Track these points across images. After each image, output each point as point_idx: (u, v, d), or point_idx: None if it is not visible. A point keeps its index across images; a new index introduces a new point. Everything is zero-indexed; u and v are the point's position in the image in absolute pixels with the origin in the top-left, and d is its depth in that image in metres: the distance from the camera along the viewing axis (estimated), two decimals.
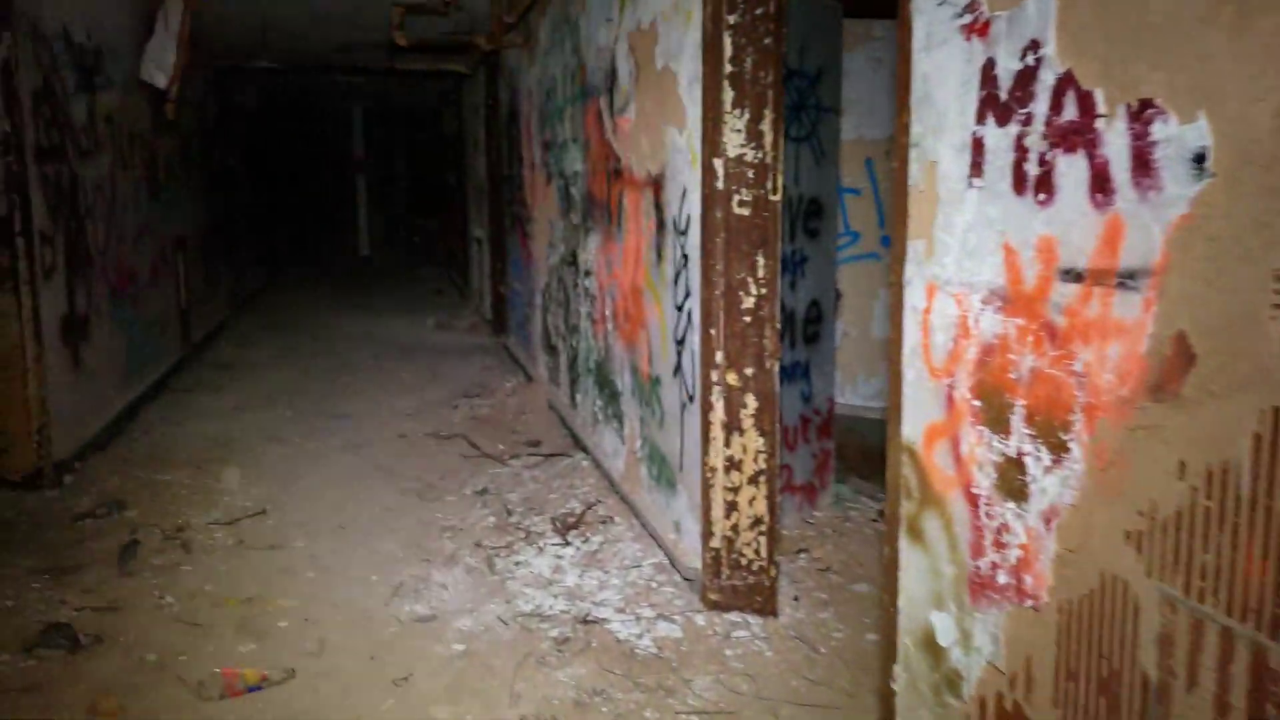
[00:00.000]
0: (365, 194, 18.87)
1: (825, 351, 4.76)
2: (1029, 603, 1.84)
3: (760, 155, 3.49)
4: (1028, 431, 1.81)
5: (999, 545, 1.91)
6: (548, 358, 7.04)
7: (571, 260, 6.00)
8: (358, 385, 7.89)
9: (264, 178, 14.82)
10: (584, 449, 5.66)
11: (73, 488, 5.23)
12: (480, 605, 3.86)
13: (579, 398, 6.01)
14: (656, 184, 4.16)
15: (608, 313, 5.14)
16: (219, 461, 5.76)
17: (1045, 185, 1.74)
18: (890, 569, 2.38)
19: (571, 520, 4.63)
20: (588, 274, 5.57)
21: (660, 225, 4.13)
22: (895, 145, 2.24)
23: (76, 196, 5.71)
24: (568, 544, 4.40)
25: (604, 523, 4.63)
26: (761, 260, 3.55)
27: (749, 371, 3.58)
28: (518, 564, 4.23)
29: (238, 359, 8.99)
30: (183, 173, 8.75)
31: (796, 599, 3.92)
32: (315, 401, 7.34)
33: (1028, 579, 1.84)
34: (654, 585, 3.99)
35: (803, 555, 4.37)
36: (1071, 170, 1.67)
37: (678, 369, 4.01)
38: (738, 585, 3.72)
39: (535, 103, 6.99)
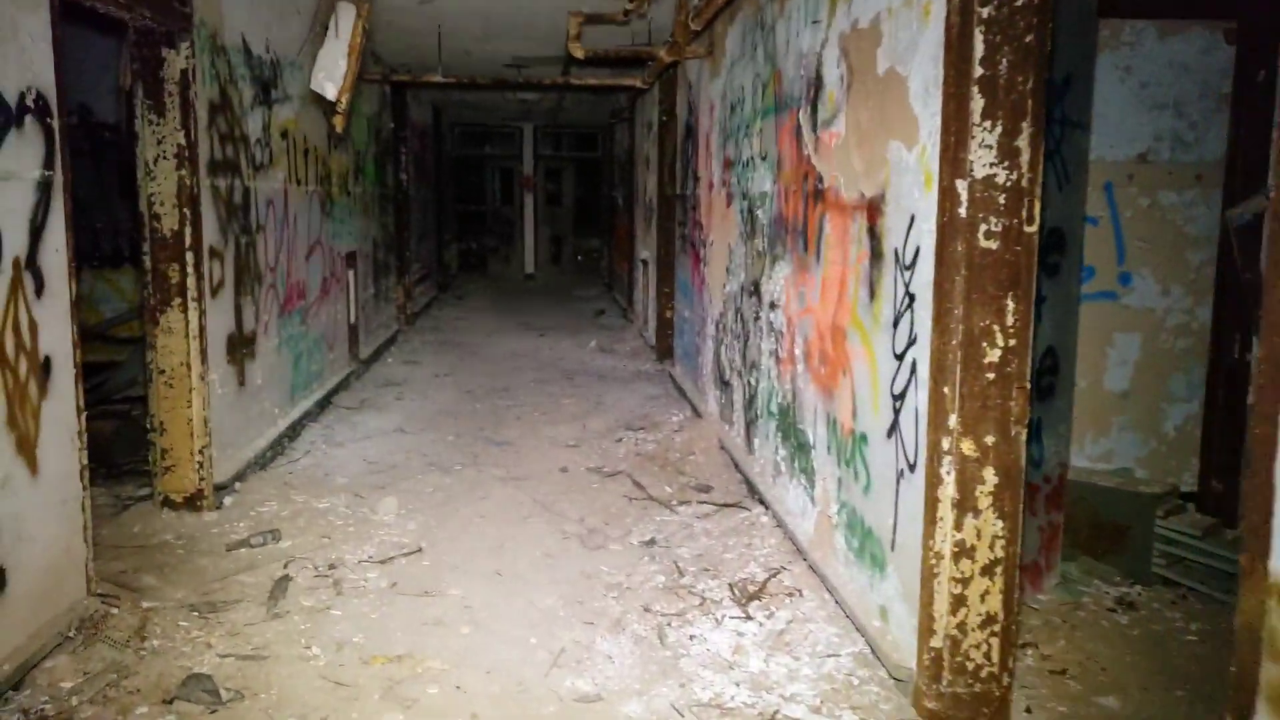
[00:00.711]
0: (533, 212, 18.94)
1: (1060, 409, 4.03)
2: None
3: (1014, 177, 2.86)
4: None
5: None
6: (719, 392, 6.51)
7: (753, 290, 5.46)
8: (519, 410, 7.59)
9: (434, 194, 15.00)
10: (762, 501, 5.09)
11: (231, 511, 5.07)
12: (651, 687, 3.35)
13: (756, 442, 5.45)
14: (872, 208, 3.57)
15: (797, 352, 4.56)
16: (377, 488, 5.52)
17: None
18: None
19: (753, 589, 4.07)
20: (773, 306, 5.01)
21: (875, 256, 3.53)
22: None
23: (248, 211, 5.60)
24: (749, 618, 3.83)
25: (790, 595, 4.04)
26: (1011, 305, 2.90)
27: (989, 440, 2.94)
28: (692, 638, 3.70)
29: (404, 377, 8.90)
30: (355, 188, 8.75)
31: (1029, 710, 3.24)
32: (477, 425, 7.08)
33: None
34: (855, 682, 3.38)
35: (1030, 651, 3.65)
36: None
37: (893, 429, 3.39)
38: (961, 693, 3.06)
39: (717, 118, 6.51)
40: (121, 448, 5.79)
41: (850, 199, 3.80)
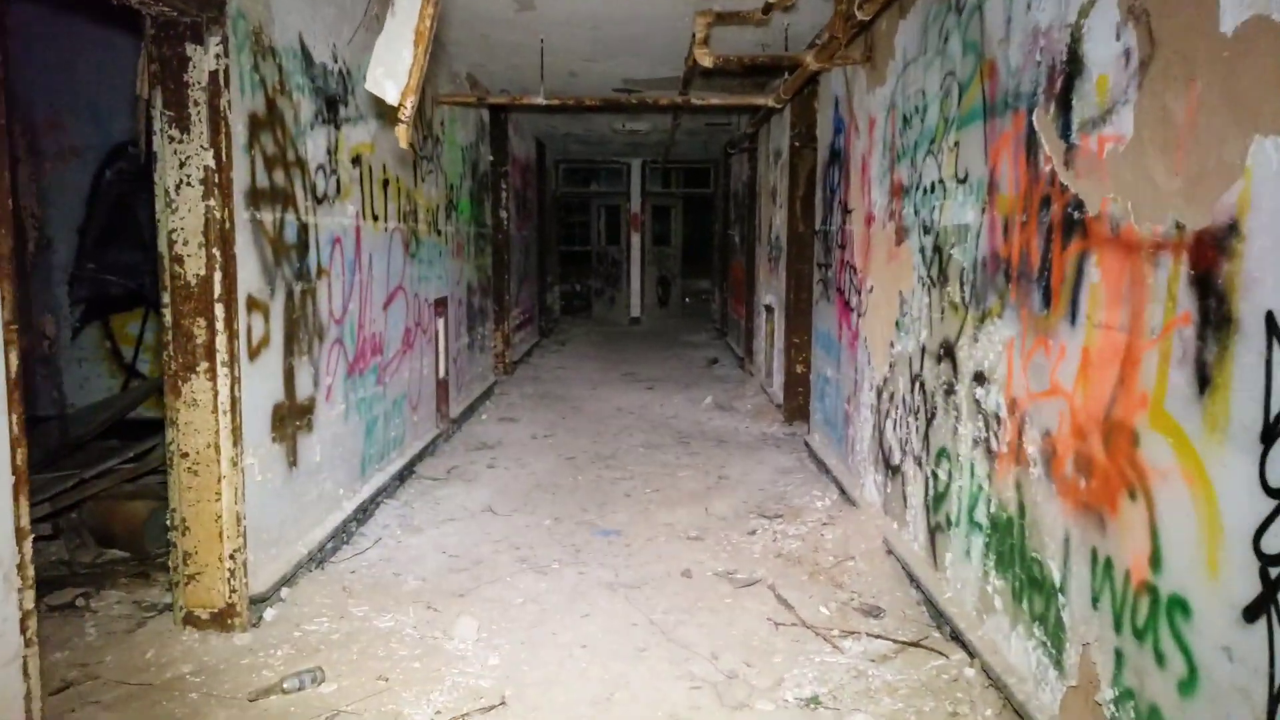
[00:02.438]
0: (639, 252, 17.90)
1: None
2: None
3: None
4: None
5: None
6: (882, 478, 5.17)
7: (944, 354, 4.14)
8: (628, 483, 6.39)
9: (537, 233, 14.08)
10: (962, 644, 3.73)
11: (271, 630, 3.99)
12: None
13: (947, 556, 4.10)
14: (1202, 246, 2.25)
15: (1030, 450, 3.22)
16: (455, 596, 4.40)
17: None
18: None
19: None
20: (981, 380, 3.68)
21: (1214, 323, 2.20)
22: None
23: (306, 252, 4.59)
24: None
25: None
26: None
27: None
28: None
29: (498, 438, 7.81)
30: (447, 226, 7.77)
31: None
32: (579, 505, 5.90)
33: None
34: None
35: None
36: None
37: (1262, 608, 2.04)
38: None
39: (879, 135, 5.24)
40: (157, 533, 4.81)
41: (1148, 233, 2.48)
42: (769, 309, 9.26)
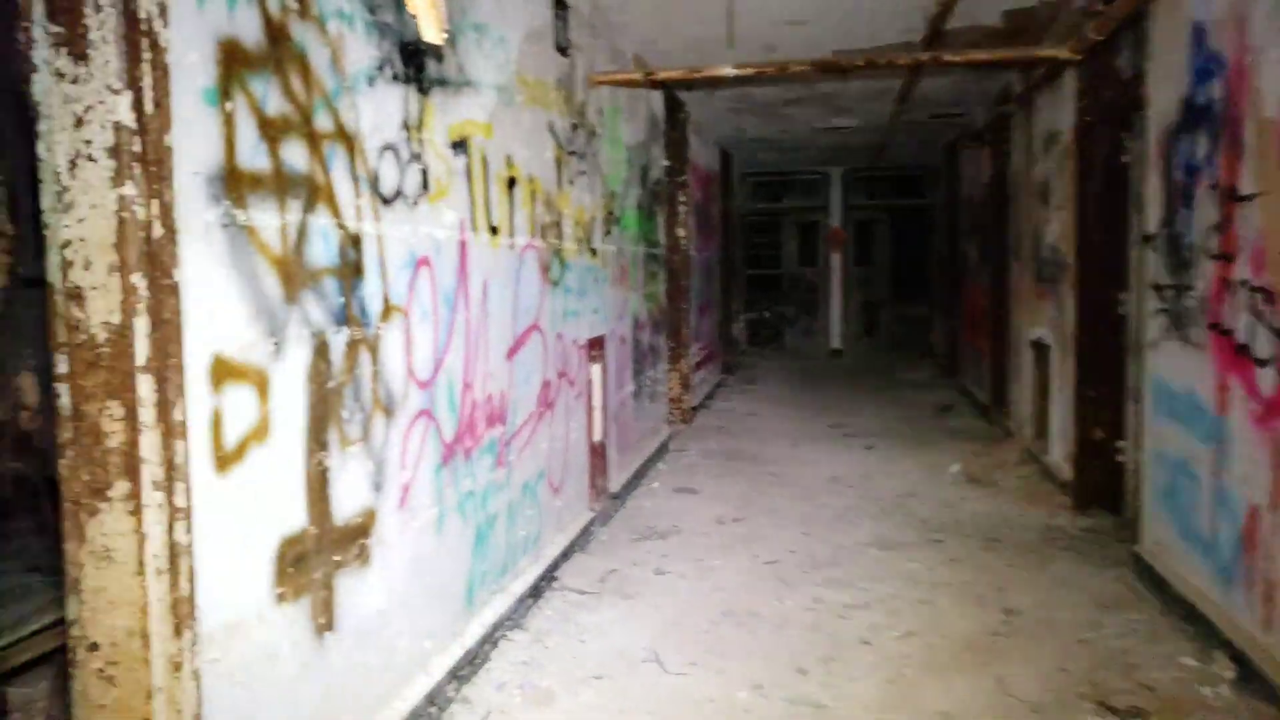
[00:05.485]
0: (840, 274, 15.63)
1: None
2: None
3: None
4: None
5: None
6: None
7: None
8: (863, 615, 4.30)
9: (721, 254, 12.15)
10: None
11: None
12: None
13: None
14: None
15: None
16: None
17: None
18: None
19: None
20: None
21: None
22: None
23: (356, 280, 2.82)
24: None
25: None
26: None
27: None
28: None
29: (671, 521, 5.89)
30: (606, 244, 5.96)
31: None
32: (791, 655, 3.88)
33: None
34: None
35: None
36: None
37: None
38: None
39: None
40: None
41: None
42: (1039, 346, 6.90)
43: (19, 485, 3.41)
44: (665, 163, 8.05)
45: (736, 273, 14.37)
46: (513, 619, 4.14)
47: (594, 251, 5.62)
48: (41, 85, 2.02)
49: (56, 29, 1.99)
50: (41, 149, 2.04)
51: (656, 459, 7.41)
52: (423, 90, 3.31)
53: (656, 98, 7.58)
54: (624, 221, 6.45)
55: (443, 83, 3.47)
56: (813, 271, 15.88)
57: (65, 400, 2.09)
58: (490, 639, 3.88)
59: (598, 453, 5.76)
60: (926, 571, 4.85)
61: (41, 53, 2.00)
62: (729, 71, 5.32)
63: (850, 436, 8.50)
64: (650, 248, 7.45)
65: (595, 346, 5.67)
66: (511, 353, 4.24)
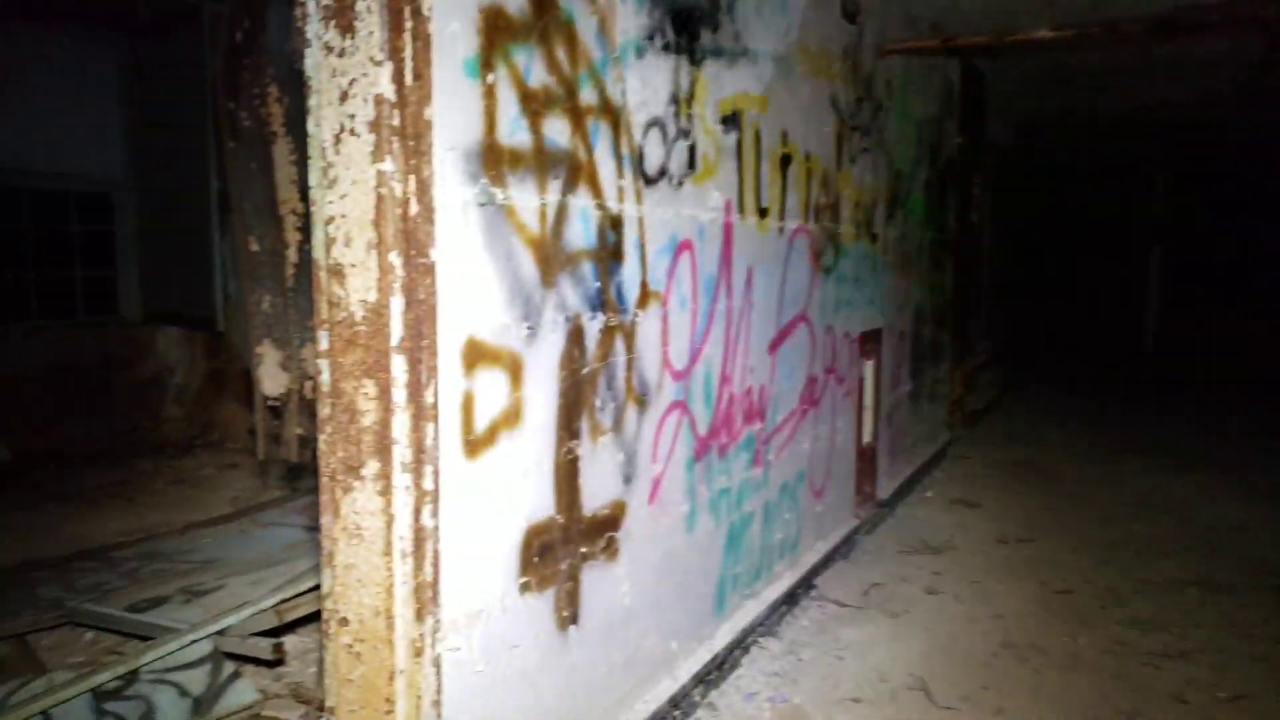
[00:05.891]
0: (1158, 266, 13.93)
1: None
2: None
3: None
4: None
5: None
6: None
7: None
8: (1175, 667, 3.66)
9: (1015, 242, 11.13)
10: None
11: None
12: None
13: None
14: None
15: None
16: None
17: None
18: None
19: None
20: None
21: None
22: None
23: (616, 265, 2.68)
24: None
25: None
26: None
27: None
28: None
29: (947, 535, 5.40)
30: (889, 229, 5.54)
31: None
32: (1083, 704, 3.36)
33: None
34: None
35: None
36: None
37: None
38: None
39: None
40: None
41: None
42: None
43: (305, 447, 3.64)
44: (958, 139, 7.42)
45: (1031, 263, 13.17)
46: (765, 626, 3.91)
47: (874, 237, 5.22)
48: (312, 60, 2.03)
49: (327, 2, 1.99)
50: (311, 124, 2.05)
51: (932, 466, 6.87)
52: (694, 61, 3.13)
53: (953, 68, 6.98)
54: (910, 204, 5.97)
55: (717, 53, 3.27)
56: (1120, 265, 14.24)
57: (325, 376, 2.11)
58: (740, 645, 3.68)
59: (866, 456, 5.38)
60: (1262, 623, 4.07)
61: (313, 27, 2.01)
62: (1045, 34, 4.71)
63: (1166, 455, 7.45)
64: (938, 233, 6.89)
65: (869, 340, 5.29)
66: (774, 345, 3.99)
